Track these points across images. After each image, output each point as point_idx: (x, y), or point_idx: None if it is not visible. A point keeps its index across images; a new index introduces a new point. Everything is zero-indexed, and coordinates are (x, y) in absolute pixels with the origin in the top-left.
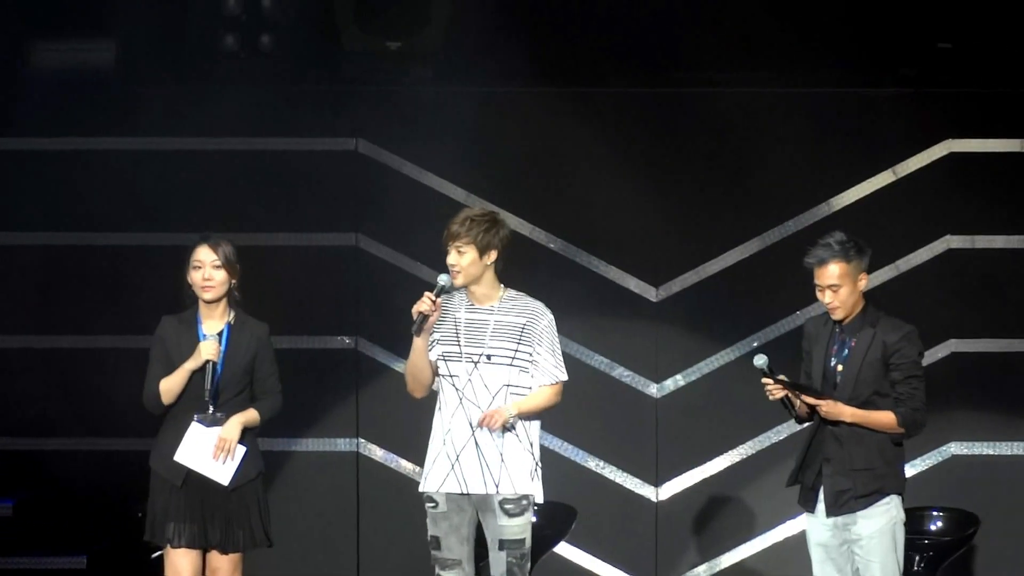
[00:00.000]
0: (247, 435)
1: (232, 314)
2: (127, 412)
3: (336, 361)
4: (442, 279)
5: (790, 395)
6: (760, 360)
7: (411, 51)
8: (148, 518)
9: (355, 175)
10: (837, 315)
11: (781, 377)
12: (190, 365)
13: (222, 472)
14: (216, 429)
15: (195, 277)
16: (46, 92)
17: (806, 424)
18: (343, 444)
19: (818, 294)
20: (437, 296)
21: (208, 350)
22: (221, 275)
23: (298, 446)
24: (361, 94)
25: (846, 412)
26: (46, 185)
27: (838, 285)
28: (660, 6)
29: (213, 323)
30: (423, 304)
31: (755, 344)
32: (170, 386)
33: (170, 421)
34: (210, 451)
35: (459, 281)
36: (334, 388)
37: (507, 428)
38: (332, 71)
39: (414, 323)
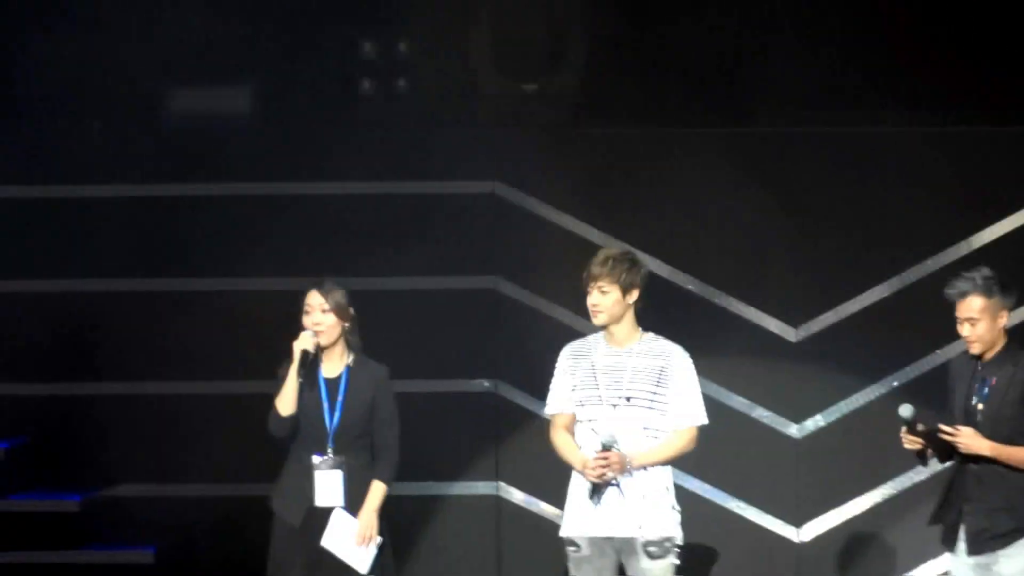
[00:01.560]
0: (364, 477)
1: (351, 357)
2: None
3: (475, 405)
4: (903, 411)
5: (927, 451)
6: (906, 411)
7: (547, 93)
8: (269, 563)
9: (492, 218)
10: (974, 349)
11: (921, 428)
12: (292, 368)
13: (361, 559)
14: (348, 527)
15: (305, 321)
16: (183, 137)
17: (946, 464)
18: (483, 488)
19: (958, 327)
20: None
21: (302, 342)
22: (331, 319)
23: (437, 490)
24: (498, 137)
25: (984, 445)
26: (182, 230)
27: (977, 319)
28: (799, 46)
29: (332, 365)
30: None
31: (894, 384)
32: (282, 396)
33: (292, 463)
34: (352, 539)
35: (600, 321)
36: (473, 432)
37: (626, 472)
38: (468, 114)
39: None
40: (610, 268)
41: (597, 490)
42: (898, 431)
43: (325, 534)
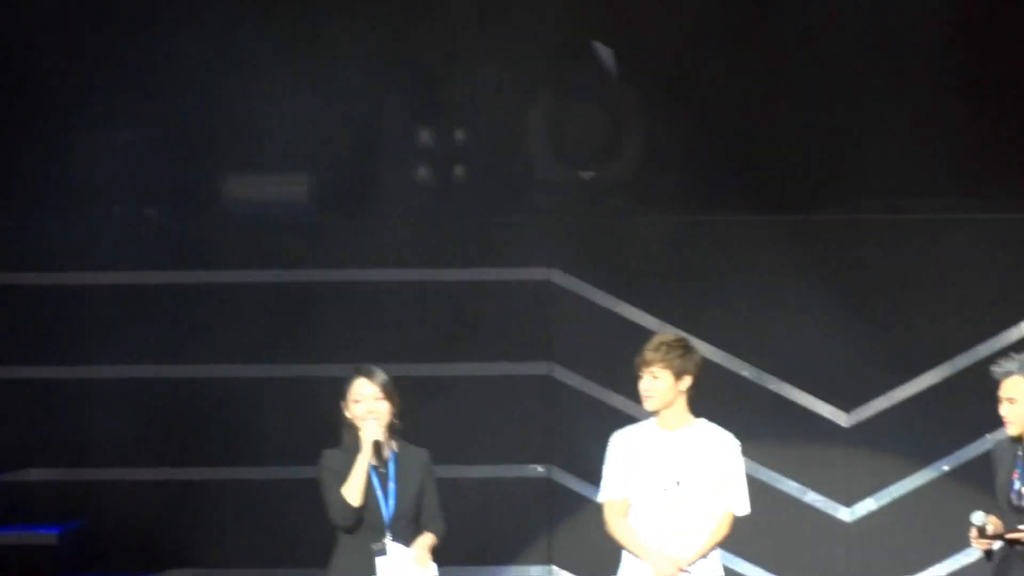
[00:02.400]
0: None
1: (395, 443)
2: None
3: (529, 490)
4: (976, 518)
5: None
6: (977, 519)
7: (604, 180)
8: None
9: (549, 305)
10: (1011, 430)
11: (990, 532)
12: (363, 457)
13: None
14: (404, 556)
15: (357, 411)
16: (242, 225)
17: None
18: (536, 572)
19: (999, 406)
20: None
21: (372, 432)
22: (383, 406)
23: (492, 574)
24: (554, 224)
25: None
26: (238, 316)
27: (1016, 400)
28: (852, 134)
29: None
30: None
31: (945, 468)
32: (352, 486)
33: (344, 549)
34: (409, 564)
35: (651, 406)
36: (527, 517)
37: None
38: (525, 201)
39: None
40: (663, 354)
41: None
42: (950, 515)
43: (378, 564)
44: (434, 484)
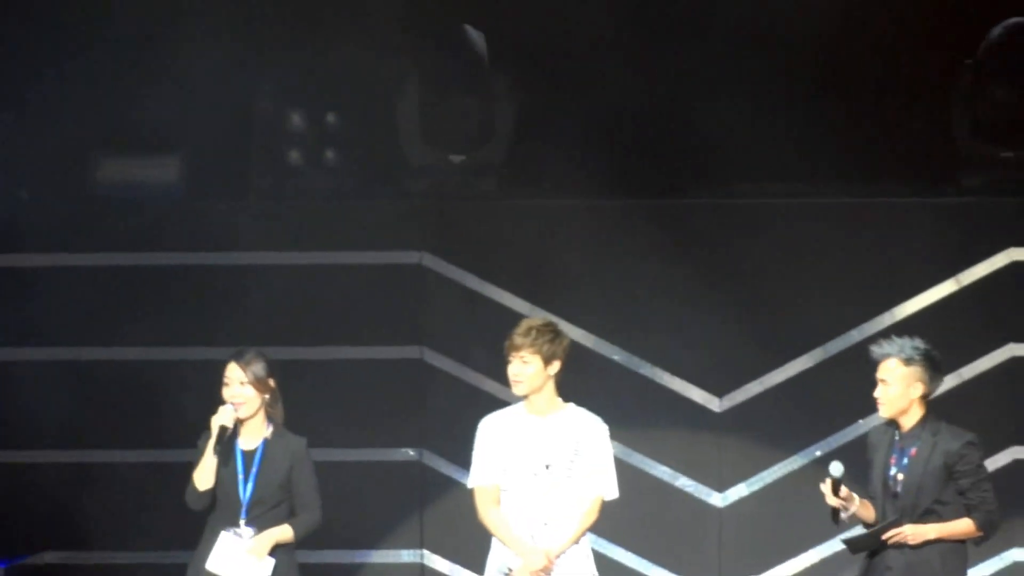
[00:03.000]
0: (279, 550)
1: (269, 429)
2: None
3: (401, 473)
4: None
5: (840, 509)
6: (836, 470)
7: (474, 164)
8: None
9: (419, 288)
10: (881, 412)
11: (844, 493)
12: (211, 442)
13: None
14: (247, 541)
15: (225, 393)
16: (111, 208)
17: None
18: (407, 556)
19: (876, 388)
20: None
21: (220, 417)
22: (249, 392)
23: (362, 557)
24: (425, 208)
25: (930, 532)
26: (109, 300)
27: (888, 383)
28: (717, 118)
29: (250, 437)
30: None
31: (817, 453)
32: (199, 471)
33: (207, 534)
34: (240, 561)
35: (521, 391)
36: (398, 500)
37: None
38: (396, 185)
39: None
40: (533, 338)
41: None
42: (823, 500)
43: (210, 558)
44: (309, 472)
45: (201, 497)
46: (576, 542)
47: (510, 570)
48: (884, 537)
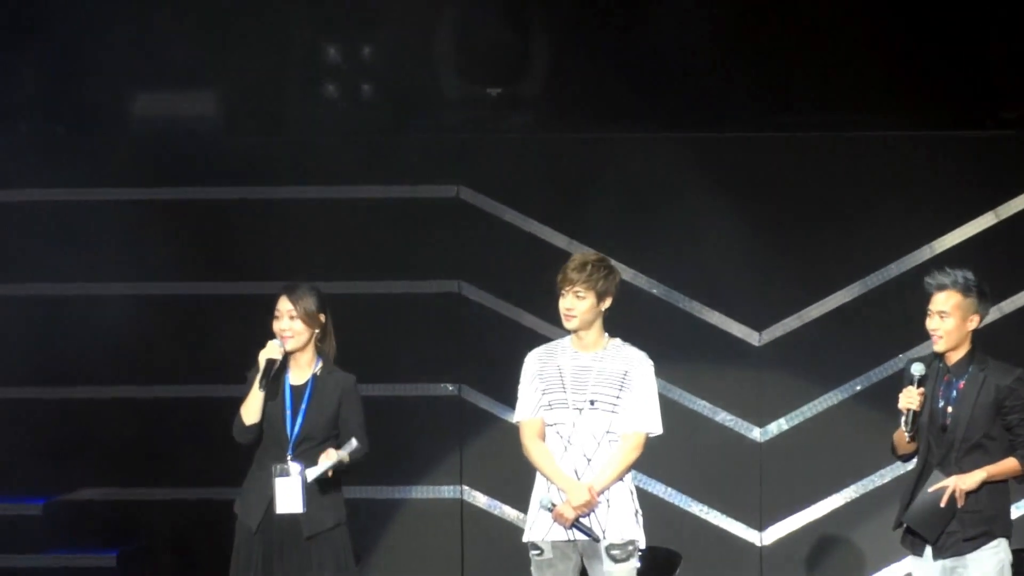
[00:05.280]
0: (328, 485)
1: (319, 365)
2: (215, 461)
3: (440, 408)
4: (916, 368)
5: (918, 412)
6: (917, 369)
7: (511, 97)
8: (232, 567)
9: (457, 222)
10: (938, 346)
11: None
12: (258, 376)
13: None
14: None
15: (274, 327)
16: (147, 143)
17: (910, 465)
18: (447, 492)
19: (927, 320)
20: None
21: (268, 351)
22: (299, 326)
23: (402, 494)
24: (462, 141)
25: (977, 477)
26: (146, 234)
27: (947, 314)
28: (762, 50)
29: (299, 372)
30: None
31: (857, 388)
32: (247, 403)
33: (255, 469)
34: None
35: (573, 326)
36: (438, 436)
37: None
38: (433, 119)
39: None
40: (588, 274)
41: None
42: (862, 434)
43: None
44: (358, 409)
45: (248, 431)
46: (620, 478)
47: (553, 505)
48: (938, 497)
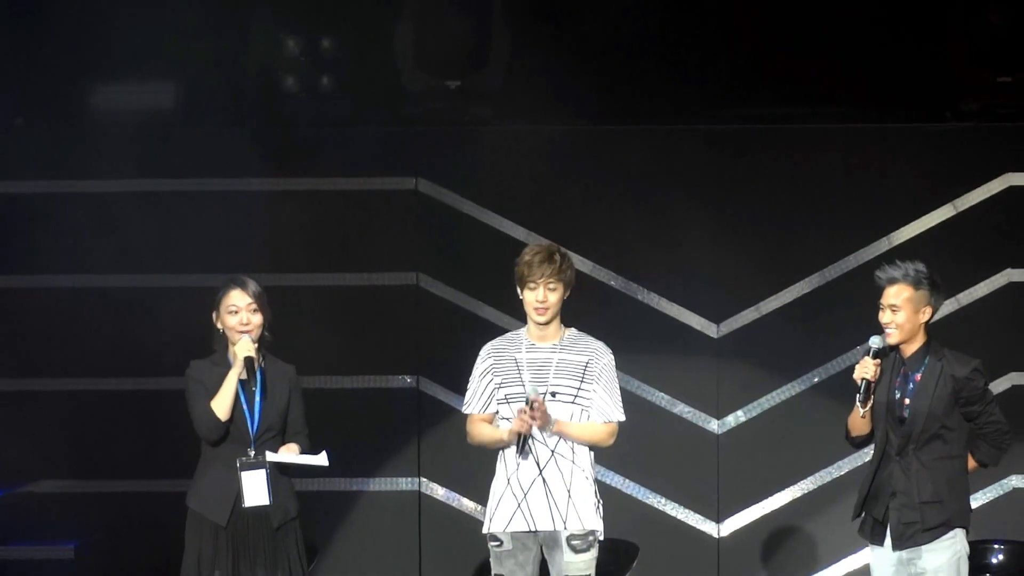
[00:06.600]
0: (282, 478)
1: (263, 357)
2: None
3: (398, 401)
4: (874, 341)
5: (873, 384)
6: (875, 341)
7: (470, 90)
8: (188, 560)
9: (415, 215)
10: (891, 338)
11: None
12: (234, 372)
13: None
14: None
15: (232, 321)
16: (104, 134)
17: (867, 456)
18: (405, 483)
19: (880, 313)
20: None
21: (245, 347)
22: (258, 318)
23: (359, 486)
24: (421, 134)
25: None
26: (101, 227)
27: (899, 307)
28: (719, 42)
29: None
30: (523, 424)
31: (815, 380)
32: (221, 400)
33: (209, 461)
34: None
35: (546, 318)
36: (396, 428)
37: (546, 430)
38: (391, 111)
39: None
40: (558, 266)
41: (522, 447)
42: (820, 426)
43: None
44: (300, 399)
45: (221, 427)
46: (582, 443)
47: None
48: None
